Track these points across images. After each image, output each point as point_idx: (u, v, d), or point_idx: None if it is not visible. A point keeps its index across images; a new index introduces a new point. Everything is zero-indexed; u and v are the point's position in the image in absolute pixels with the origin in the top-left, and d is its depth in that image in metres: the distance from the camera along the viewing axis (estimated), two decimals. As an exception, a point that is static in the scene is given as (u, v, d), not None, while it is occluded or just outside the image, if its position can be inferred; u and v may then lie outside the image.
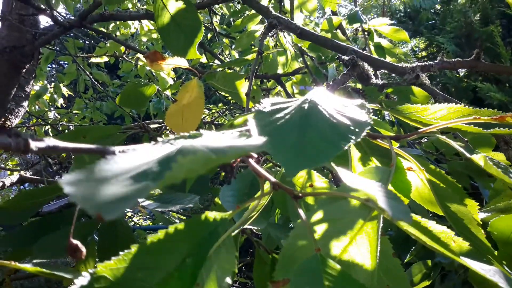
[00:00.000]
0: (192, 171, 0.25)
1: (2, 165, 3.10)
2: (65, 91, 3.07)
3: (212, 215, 0.40)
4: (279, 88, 1.87)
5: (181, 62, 0.95)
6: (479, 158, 0.52)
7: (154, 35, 2.70)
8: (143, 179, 0.25)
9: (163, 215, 1.46)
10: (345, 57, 0.91)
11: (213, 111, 2.84)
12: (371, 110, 0.43)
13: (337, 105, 0.43)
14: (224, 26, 2.97)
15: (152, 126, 1.75)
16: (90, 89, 3.33)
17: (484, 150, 1.02)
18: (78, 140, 0.98)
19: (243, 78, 1.03)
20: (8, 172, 2.71)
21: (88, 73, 2.53)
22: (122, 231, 0.94)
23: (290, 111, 0.42)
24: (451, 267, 1.29)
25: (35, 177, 2.38)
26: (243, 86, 1.02)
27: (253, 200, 0.45)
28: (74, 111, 3.30)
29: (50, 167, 2.35)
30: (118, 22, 2.73)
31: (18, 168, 3.32)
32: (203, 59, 2.42)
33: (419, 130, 0.58)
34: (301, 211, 0.41)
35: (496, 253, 0.57)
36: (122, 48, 2.59)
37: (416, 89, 1.21)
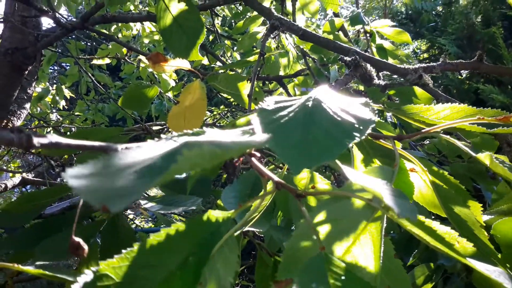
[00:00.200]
0: (197, 165, 0.24)
1: (4, 167, 3.10)
2: (67, 93, 3.07)
3: (214, 214, 0.40)
4: (281, 90, 1.87)
5: (183, 64, 0.95)
6: (484, 157, 0.51)
7: (156, 37, 2.71)
8: (148, 172, 0.25)
9: (165, 218, 1.46)
10: (347, 58, 0.91)
11: (215, 113, 2.84)
12: (375, 110, 0.43)
13: (341, 103, 0.43)
14: (226, 28, 2.97)
15: (154, 128, 1.75)
16: (92, 91, 3.33)
17: (487, 152, 1.01)
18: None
19: (245, 80, 1.03)
20: (10, 174, 2.71)
21: (90, 75, 2.53)
22: (125, 233, 0.94)
23: (294, 109, 0.42)
24: (453, 270, 1.29)
25: (37, 179, 2.38)
26: (245, 88, 1.02)
27: (256, 199, 0.45)
28: (76, 113, 3.30)
29: (53, 169, 2.35)
30: (120, 24, 2.73)
31: (20, 170, 3.32)
32: (205, 61, 2.42)
33: (423, 130, 0.58)
34: (304, 210, 0.41)
35: (499, 255, 0.57)
36: (124, 50, 2.59)
37: (418, 91, 1.20)
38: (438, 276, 1.25)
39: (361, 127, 0.37)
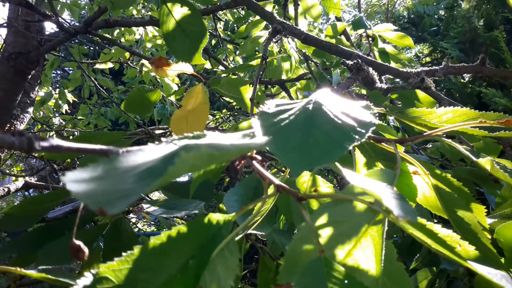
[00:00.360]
0: (196, 167, 0.24)
1: (7, 171, 3.11)
2: (70, 97, 3.09)
3: (215, 217, 0.40)
4: (283, 93, 1.88)
5: (186, 68, 0.95)
6: (485, 161, 0.51)
7: (159, 41, 2.71)
8: (147, 175, 0.25)
9: (168, 221, 1.46)
10: (350, 62, 0.91)
11: (217, 117, 2.84)
12: (376, 113, 0.43)
13: (342, 106, 0.43)
14: (228, 32, 2.98)
15: (157, 131, 1.75)
16: (94, 95, 3.35)
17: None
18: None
19: (247, 84, 1.03)
20: (13, 178, 2.72)
21: (93, 79, 2.54)
22: (127, 237, 0.94)
23: (295, 111, 0.42)
24: (456, 274, 1.28)
25: (40, 183, 2.39)
26: (247, 92, 1.03)
27: (258, 202, 0.45)
28: (79, 117, 3.32)
29: (55, 173, 2.36)
30: (122, 29, 2.74)
31: (23, 174, 3.33)
32: (208, 65, 2.43)
33: (425, 134, 0.58)
34: (305, 213, 0.41)
35: (502, 260, 0.56)
36: (127, 54, 2.60)
37: (421, 95, 1.20)
38: (441, 280, 1.25)
39: (361, 130, 0.37)
